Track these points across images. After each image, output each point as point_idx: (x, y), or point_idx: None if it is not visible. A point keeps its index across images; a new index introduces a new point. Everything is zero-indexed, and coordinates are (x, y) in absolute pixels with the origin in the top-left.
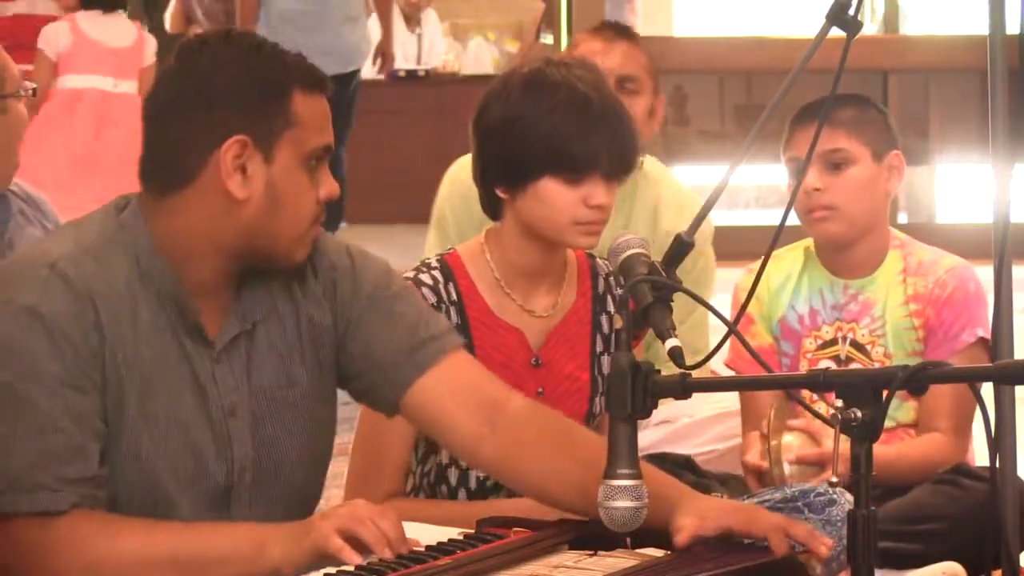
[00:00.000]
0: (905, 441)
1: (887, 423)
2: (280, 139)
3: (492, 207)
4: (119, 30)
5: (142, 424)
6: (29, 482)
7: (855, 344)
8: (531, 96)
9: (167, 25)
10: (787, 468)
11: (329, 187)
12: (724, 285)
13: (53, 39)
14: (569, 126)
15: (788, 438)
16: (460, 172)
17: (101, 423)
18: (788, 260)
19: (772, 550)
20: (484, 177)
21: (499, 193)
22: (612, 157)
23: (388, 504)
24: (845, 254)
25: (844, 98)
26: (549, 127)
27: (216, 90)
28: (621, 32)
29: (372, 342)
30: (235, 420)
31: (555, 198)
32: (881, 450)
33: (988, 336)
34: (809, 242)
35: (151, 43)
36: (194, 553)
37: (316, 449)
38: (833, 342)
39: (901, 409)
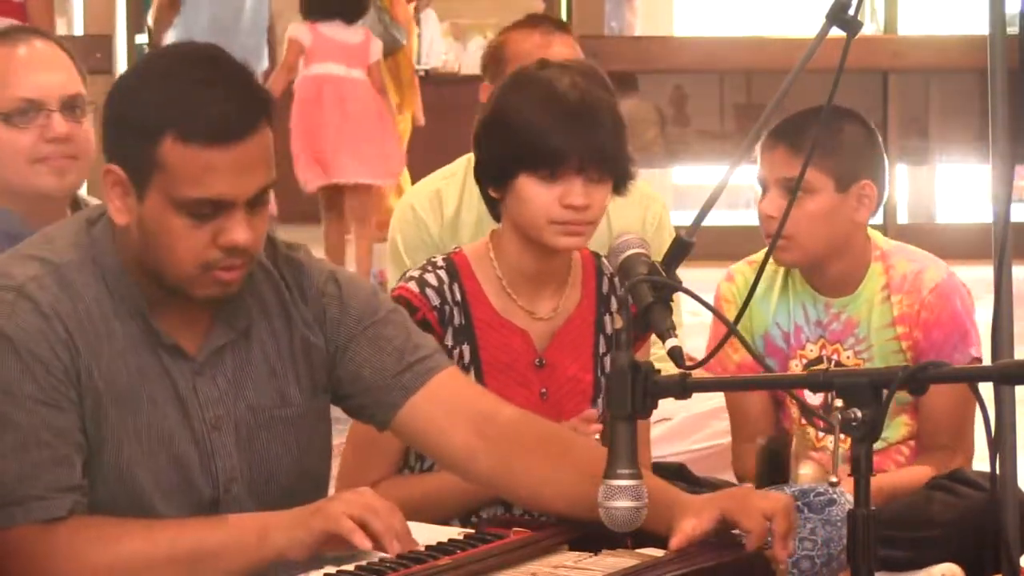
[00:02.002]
0: (915, 468)
1: (878, 443)
2: (149, 181)
3: (492, 209)
4: (350, 32)
5: (123, 436)
6: (19, 495)
7: (840, 366)
8: (512, 94)
9: (148, 19)
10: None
11: (232, 236)
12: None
13: (302, 35)
14: (541, 120)
15: (805, 469)
16: (410, 198)
17: (81, 437)
18: (768, 273)
19: (744, 545)
20: (479, 178)
21: (491, 193)
22: (585, 154)
23: (384, 485)
24: (822, 273)
25: (809, 119)
26: (522, 122)
27: (112, 116)
28: (557, 24)
29: (361, 367)
30: (219, 434)
31: (532, 196)
32: (892, 478)
33: (980, 356)
34: None
35: (376, 43)
36: (193, 548)
37: (311, 467)
38: (819, 360)
39: (892, 427)
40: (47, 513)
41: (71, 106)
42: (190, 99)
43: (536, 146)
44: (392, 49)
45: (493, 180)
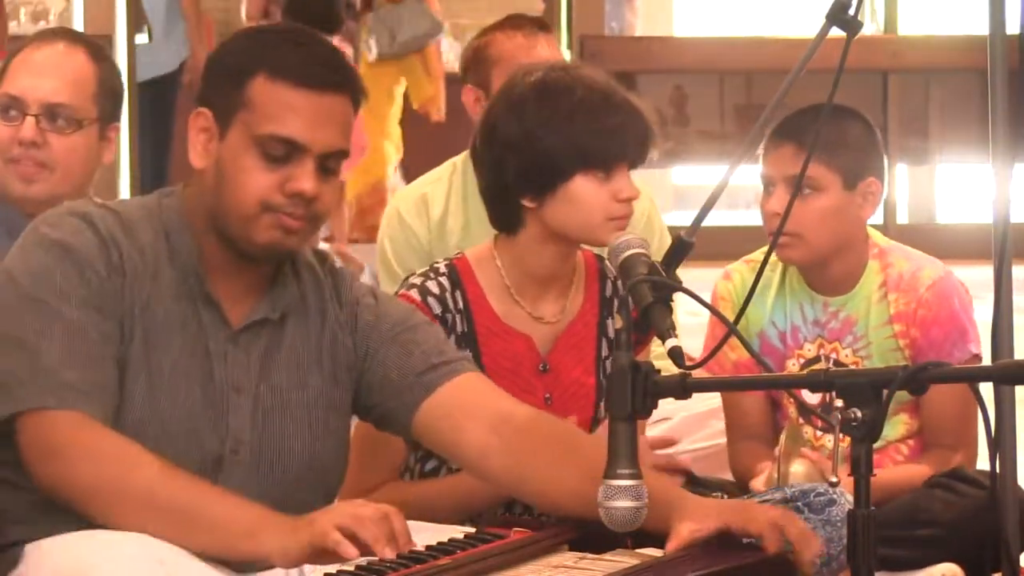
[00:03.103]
0: (912, 466)
1: (877, 442)
2: (234, 118)
3: (510, 220)
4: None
5: (142, 368)
6: (57, 381)
7: (839, 364)
8: (547, 103)
9: (243, 14)
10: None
11: (299, 183)
12: None
13: None
14: (594, 122)
15: (796, 467)
16: (397, 205)
17: (120, 350)
18: (764, 271)
19: (764, 548)
20: (506, 191)
21: (526, 203)
22: (637, 145)
23: (384, 490)
24: (823, 272)
25: (812, 117)
26: (575, 126)
27: (207, 66)
28: (539, 25)
29: (390, 370)
30: (238, 396)
31: (588, 197)
32: (895, 473)
33: (980, 352)
34: None
35: (349, 50)
36: (194, 508)
37: (321, 457)
38: (816, 360)
39: (891, 426)
40: (80, 405)
41: (51, 115)
42: (285, 48)
43: (596, 146)
44: (433, 38)
45: (534, 190)
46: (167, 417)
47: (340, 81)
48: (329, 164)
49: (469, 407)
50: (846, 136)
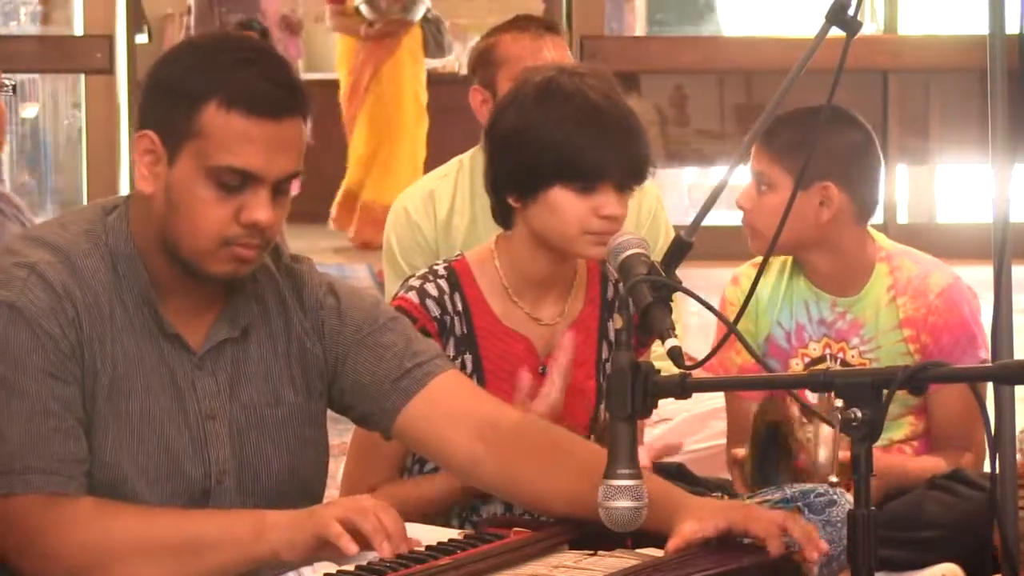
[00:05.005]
0: (936, 458)
1: (881, 441)
2: (183, 145)
3: (503, 216)
4: None
5: (111, 420)
6: (21, 464)
7: (845, 364)
8: (543, 105)
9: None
10: (822, 453)
11: (255, 213)
12: (719, 285)
13: None
14: (581, 135)
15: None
16: (403, 202)
17: (83, 412)
18: (773, 273)
19: (765, 549)
20: (496, 186)
21: (511, 202)
22: (623, 167)
23: (380, 491)
24: (815, 270)
25: (794, 118)
26: (561, 136)
27: (151, 84)
28: (547, 25)
29: (362, 375)
30: (213, 424)
31: (566, 208)
32: (907, 461)
33: (989, 358)
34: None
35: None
36: (189, 537)
37: (301, 470)
38: (821, 359)
39: (896, 427)
40: (49, 486)
41: None
42: (238, 72)
43: (577, 161)
44: None
45: (517, 190)
46: (145, 463)
47: (294, 104)
48: (282, 186)
49: (452, 413)
50: (806, 138)
